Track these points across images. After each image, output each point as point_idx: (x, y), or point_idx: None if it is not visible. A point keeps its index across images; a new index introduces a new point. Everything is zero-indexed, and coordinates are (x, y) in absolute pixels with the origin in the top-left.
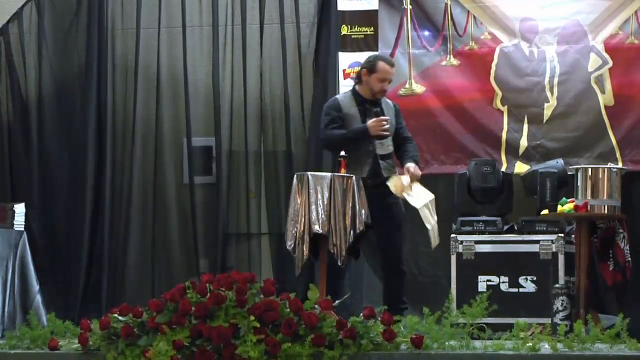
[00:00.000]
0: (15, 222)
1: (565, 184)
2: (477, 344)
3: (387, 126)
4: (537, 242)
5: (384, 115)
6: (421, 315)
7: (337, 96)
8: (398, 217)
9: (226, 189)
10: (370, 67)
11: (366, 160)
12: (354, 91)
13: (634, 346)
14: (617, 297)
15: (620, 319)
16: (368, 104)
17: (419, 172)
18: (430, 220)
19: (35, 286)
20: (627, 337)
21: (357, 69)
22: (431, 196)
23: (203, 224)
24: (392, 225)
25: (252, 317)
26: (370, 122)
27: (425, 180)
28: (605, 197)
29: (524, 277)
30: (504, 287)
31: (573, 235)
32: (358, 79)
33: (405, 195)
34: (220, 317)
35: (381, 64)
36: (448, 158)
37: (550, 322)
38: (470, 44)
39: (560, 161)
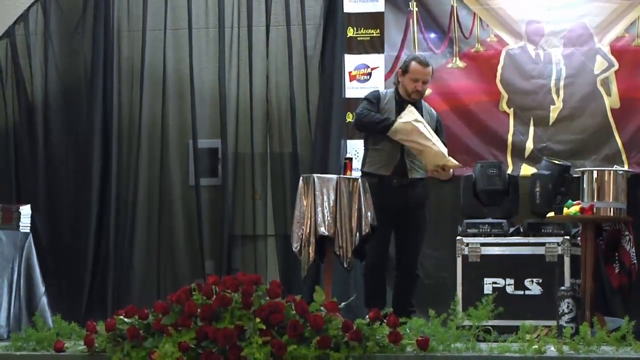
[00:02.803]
0: (21, 224)
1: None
2: (483, 346)
3: None
4: (543, 244)
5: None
6: (427, 317)
7: (380, 89)
8: (420, 221)
9: (232, 190)
10: (404, 67)
11: (393, 158)
12: (395, 90)
13: (639, 348)
14: (623, 300)
15: (626, 322)
16: (405, 104)
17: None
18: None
19: (41, 288)
20: (633, 340)
21: (362, 70)
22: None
23: (209, 225)
24: (414, 228)
25: (257, 319)
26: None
27: (431, 183)
28: (611, 199)
29: (530, 279)
30: (509, 289)
31: (579, 238)
32: (396, 79)
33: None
34: (226, 319)
35: (413, 64)
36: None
37: (556, 324)
38: (476, 46)
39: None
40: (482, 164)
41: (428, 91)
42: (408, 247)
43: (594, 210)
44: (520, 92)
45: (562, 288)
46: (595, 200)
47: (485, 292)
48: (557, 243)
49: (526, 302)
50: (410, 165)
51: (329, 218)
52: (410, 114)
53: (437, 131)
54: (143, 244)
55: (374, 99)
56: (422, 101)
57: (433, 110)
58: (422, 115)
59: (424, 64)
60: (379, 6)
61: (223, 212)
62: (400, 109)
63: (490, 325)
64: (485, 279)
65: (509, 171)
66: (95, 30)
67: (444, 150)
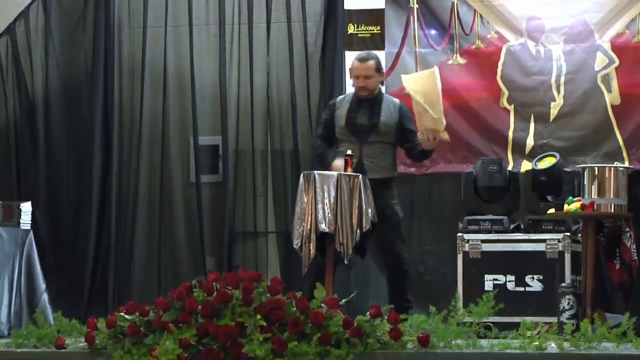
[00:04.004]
0: (21, 221)
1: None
2: (484, 342)
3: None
4: (544, 241)
5: (377, 112)
6: (428, 314)
7: (340, 96)
8: (392, 217)
9: (233, 187)
10: (350, 67)
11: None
12: (355, 91)
13: None
14: (624, 296)
15: (626, 318)
16: (364, 102)
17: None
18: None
19: (42, 285)
20: (633, 336)
21: None
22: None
23: (209, 222)
24: (387, 225)
25: (258, 316)
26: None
27: (432, 179)
28: (611, 196)
29: (531, 276)
30: (510, 286)
31: (579, 234)
32: None
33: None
34: (226, 315)
35: (352, 62)
36: (454, 157)
37: (556, 321)
38: (477, 42)
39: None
40: (483, 160)
41: None
42: (388, 246)
43: (595, 207)
44: (520, 89)
45: (563, 284)
46: (596, 196)
47: (486, 288)
48: (558, 239)
49: (527, 299)
50: (369, 165)
51: (329, 215)
52: (437, 78)
53: (402, 121)
54: (144, 241)
55: (328, 111)
56: (384, 95)
57: (396, 100)
58: (380, 111)
59: (361, 59)
60: (380, 3)
61: (224, 209)
62: (358, 107)
63: (491, 322)
64: (486, 276)
65: (510, 168)
66: (95, 27)
67: (444, 122)
